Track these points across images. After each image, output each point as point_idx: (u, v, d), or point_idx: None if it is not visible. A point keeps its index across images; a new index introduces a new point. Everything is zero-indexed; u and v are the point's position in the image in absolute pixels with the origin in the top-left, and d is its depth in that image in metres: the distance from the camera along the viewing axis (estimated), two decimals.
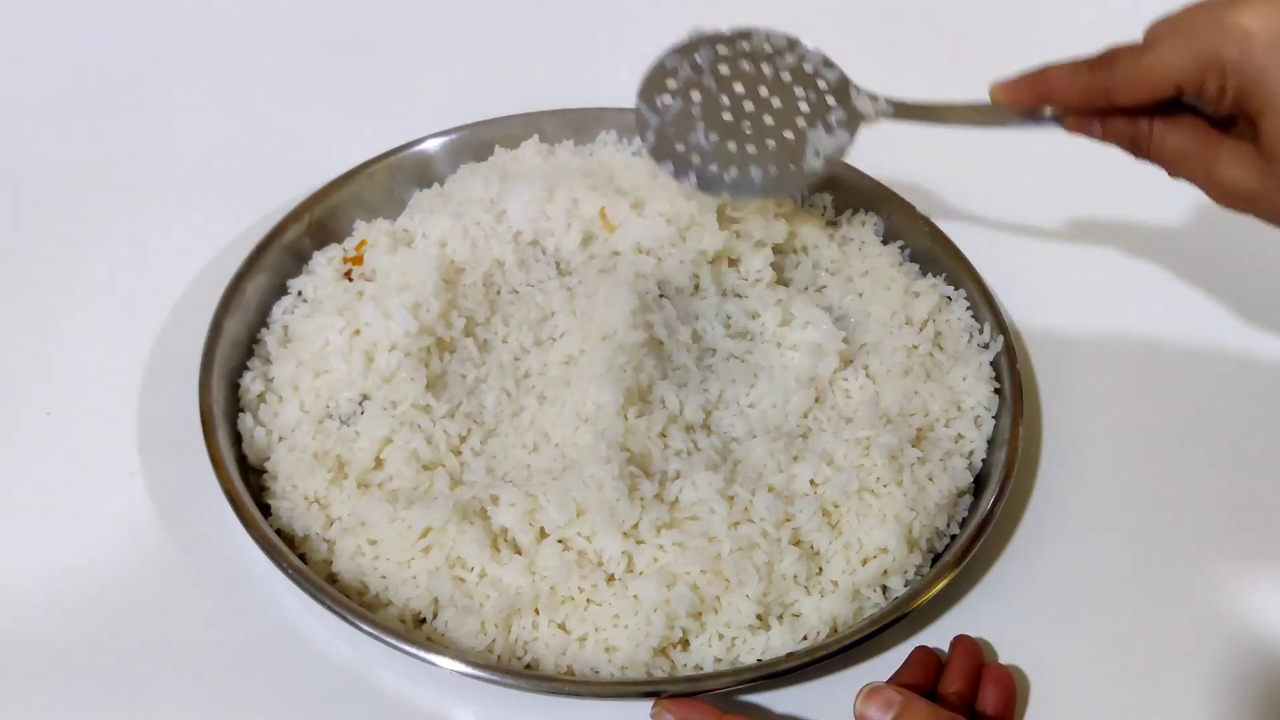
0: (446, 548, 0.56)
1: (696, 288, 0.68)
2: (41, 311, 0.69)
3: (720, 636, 0.55)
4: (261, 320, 0.67)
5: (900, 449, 0.60)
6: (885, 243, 0.73)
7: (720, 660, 0.54)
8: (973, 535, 0.58)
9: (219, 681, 0.54)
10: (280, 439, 0.61)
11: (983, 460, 0.63)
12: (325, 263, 0.68)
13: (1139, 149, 0.53)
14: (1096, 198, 0.82)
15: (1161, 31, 0.49)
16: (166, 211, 0.76)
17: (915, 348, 0.67)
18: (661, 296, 0.66)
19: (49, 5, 0.90)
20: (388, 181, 0.74)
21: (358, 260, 0.68)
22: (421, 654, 0.52)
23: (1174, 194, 0.81)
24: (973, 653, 0.55)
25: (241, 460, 0.60)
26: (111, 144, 0.80)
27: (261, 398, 0.63)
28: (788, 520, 0.57)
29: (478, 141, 0.76)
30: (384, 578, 0.56)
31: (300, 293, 0.67)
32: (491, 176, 0.72)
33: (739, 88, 0.61)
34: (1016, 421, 0.62)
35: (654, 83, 0.62)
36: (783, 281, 0.70)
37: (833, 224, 0.74)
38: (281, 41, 0.90)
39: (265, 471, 0.61)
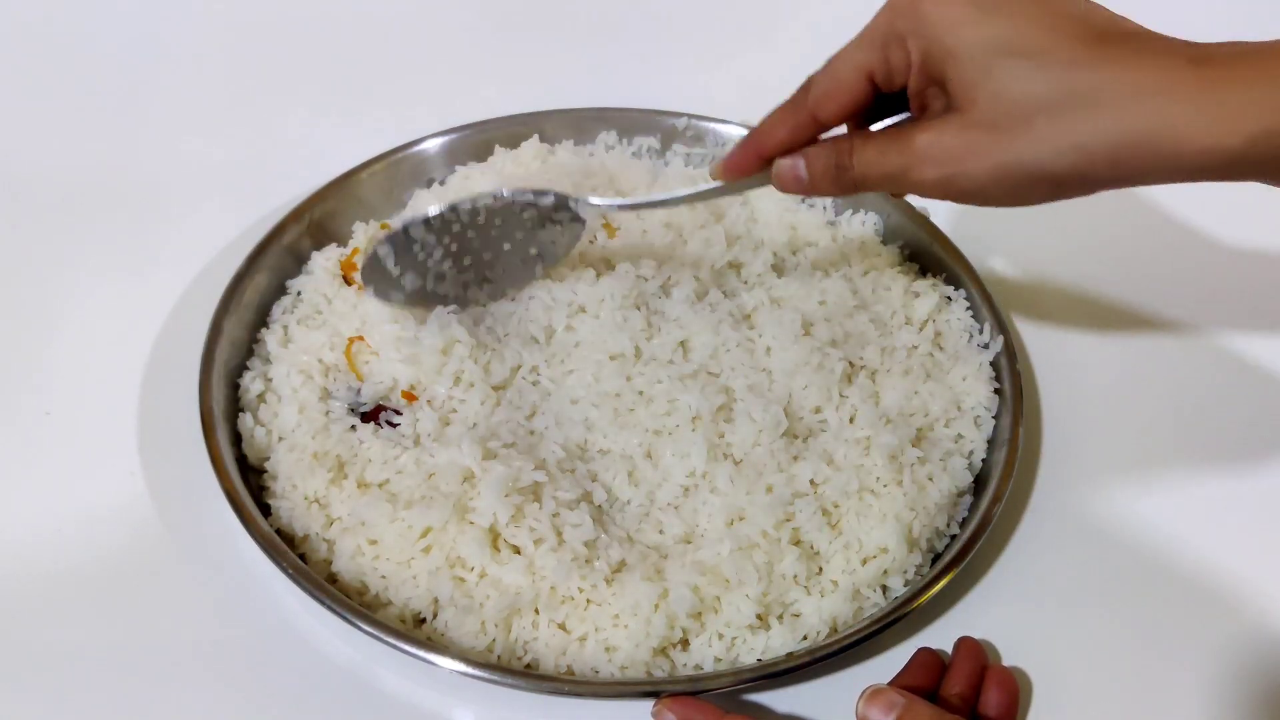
0: (446, 548, 0.56)
1: (703, 294, 0.68)
2: (41, 311, 0.69)
3: (720, 636, 0.55)
4: (261, 320, 0.67)
5: (900, 449, 0.60)
6: (885, 243, 0.73)
7: (720, 660, 0.54)
8: (973, 535, 0.58)
9: (219, 681, 0.54)
10: (280, 439, 0.61)
11: (983, 460, 0.63)
12: (324, 263, 0.68)
13: (843, 173, 0.51)
14: (1096, 198, 0.81)
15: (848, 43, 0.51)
16: (166, 212, 0.76)
17: (915, 348, 0.67)
18: (664, 297, 0.66)
19: (50, 6, 0.90)
20: (388, 182, 0.74)
21: (352, 266, 0.68)
22: (421, 654, 0.52)
23: (1174, 194, 0.82)
24: (976, 654, 0.55)
25: (241, 460, 0.60)
26: (111, 144, 0.80)
27: (261, 398, 0.63)
28: (788, 520, 0.57)
29: (478, 141, 0.76)
30: (384, 578, 0.56)
31: (300, 293, 0.67)
32: (491, 176, 0.72)
33: (470, 234, 0.62)
34: (1016, 421, 0.62)
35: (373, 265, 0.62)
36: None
37: (832, 224, 0.74)
38: (282, 42, 0.90)
39: (265, 471, 0.61)
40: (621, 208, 0.63)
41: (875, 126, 0.52)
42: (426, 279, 0.63)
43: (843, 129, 0.53)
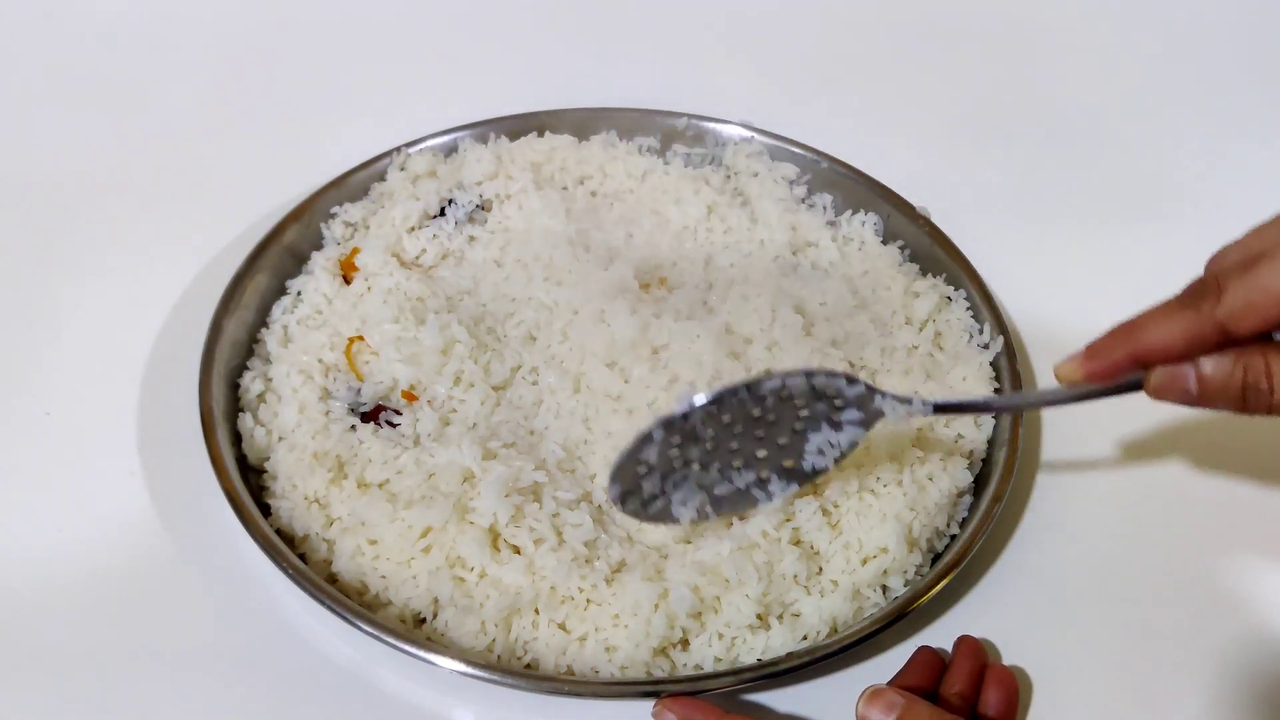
0: (446, 548, 0.56)
1: (703, 295, 0.68)
2: (42, 312, 0.69)
3: (720, 636, 0.55)
4: (261, 320, 0.67)
5: (900, 449, 0.60)
6: (885, 243, 0.73)
7: (720, 660, 0.54)
8: (972, 535, 0.58)
9: (219, 681, 0.54)
10: (280, 439, 0.61)
11: (983, 460, 0.63)
12: (324, 263, 0.68)
13: (1257, 395, 0.44)
14: (1096, 197, 0.82)
15: (1261, 247, 0.43)
16: (166, 211, 0.76)
17: (915, 348, 0.67)
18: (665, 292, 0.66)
19: (50, 6, 0.90)
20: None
21: (350, 265, 0.68)
22: (421, 654, 0.52)
23: (1176, 193, 0.82)
24: (976, 653, 0.55)
25: (241, 460, 0.60)
26: (111, 144, 0.80)
27: (261, 398, 0.63)
28: (788, 520, 0.57)
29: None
30: (384, 578, 0.56)
31: (300, 293, 0.67)
32: (489, 160, 0.72)
33: (726, 418, 0.53)
34: (1016, 421, 0.62)
35: (631, 452, 0.53)
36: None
37: (832, 224, 0.74)
38: (282, 42, 0.90)
39: (265, 471, 0.61)
40: (939, 409, 0.53)
41: None
42: (666, 482, 0.54)
43: None
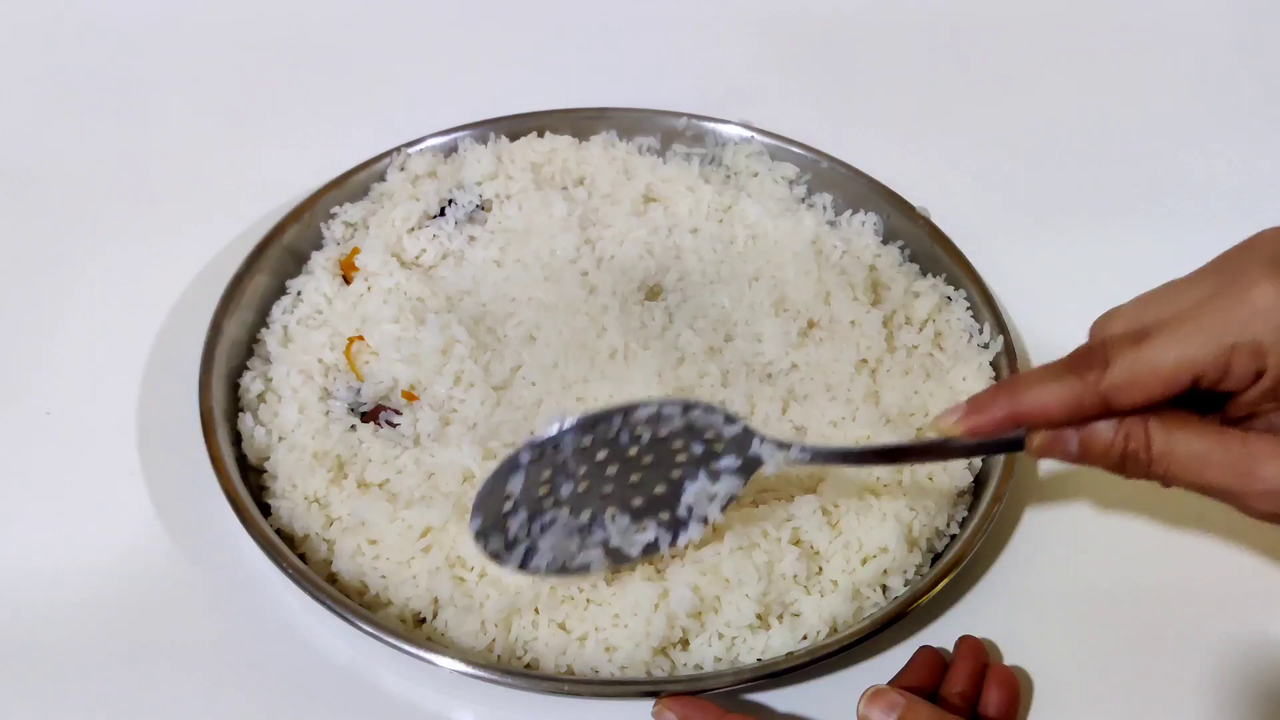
0: (446, 548, 0.56)
1: (703, 293, 0.68)
2: (41, 311, 0.69)
3: (720, 636, 0.55)
4: (261, 320, 0.66)
5: None
6: (885, 243, 0.73)
7: (720, 660, 0.54)
8: (972, 535, 0.58)
9: (219, 681, 0.54)
10: (280, 439, 0.61)
11: (983, 460, 0.63)
12: (324, 263, 0.68)
13: (1134, 462, 0.44)
14: (1096, 197, 0.82)
15: (1150, 319, 0.44)
16: (166, 211, 0.76)
17: (915, 348, 0.67)
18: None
19: (50, 6, 0.90)
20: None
21: (350, 265, 0.68)
22: (421, 654, 0.52)
23: (1175, 194, 0.82)
24: (977, 653, 0.55)
25: (241, 460, 0.60)
26: (111, 144, 0.80)
27: (261, 398, 0.63)
28: (788, 520, 0.57)
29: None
30: (384, 577, 0.56)
31: (300, 293, 0.67)
32: (489, 159, 0.72)
33: (601, 454, 0.51)
34: None
35: (496, 481, 0.50)
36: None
37: (833, 224, 0.74)
38: (283, 41, 0.90)
39: (265, 471, 0.61)
40: (816, 458, 0.51)
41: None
42: (534, 524, 0.51)
43: None
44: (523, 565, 0.52)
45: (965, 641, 0.56)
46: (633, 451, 0.51)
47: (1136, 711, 0.56)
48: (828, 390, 0.63)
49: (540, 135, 0.76)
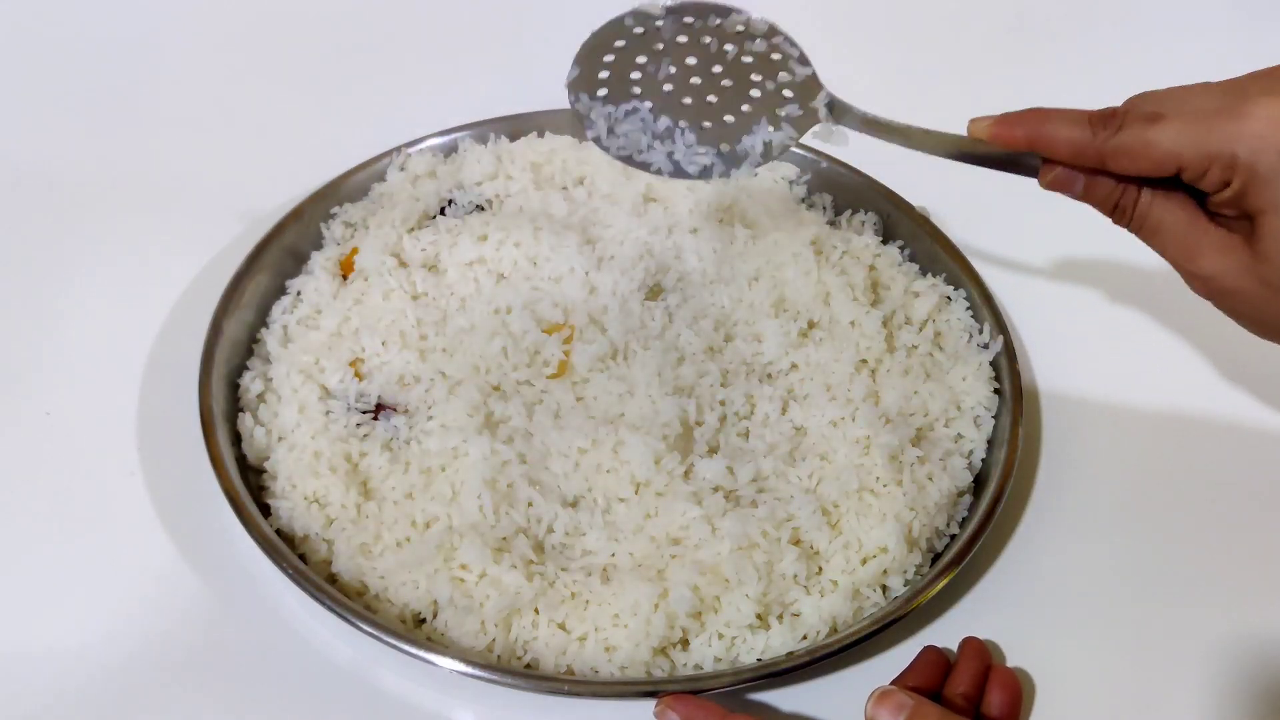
0: (447, 547, 0.56)
1: (702, 293, 0.68)
2: (41, 312, 0.69)
3: (720, 636, 0.55)
4: (261, 320, 0.67)
5: (900, 449, 0.60)
6: (885, 243, 0.73)
7: (720, 660, 0.54)
8: (972, 535, 0.58)
9: (219, 681, 0.54)
10: (280, 439, 0.61)
11: (982, 460, 0.63)
12: (324, 263, 0.68)
13: (1120, 214, 0.51)
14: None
15: (1170, 108, 0.48)
16: (166, 211, 0.76)
17: (915, 348, 0.67)
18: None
19: (49, 6, 0.90)
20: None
21: (350, 265, 0.68)
22: (421, 654, 0.52)
23: None
24: (981, 654, 0.55)
25: (241, 460, 0.60)
26: (111, 144, 0.80)
27: (261, 398, 0.63)
28: (788, 520, 0.57)
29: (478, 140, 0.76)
30: (384, 578, 0.56)
31: (300, 293, 0.67)
32: (489, 159, 0.72)
33: (691, 60, 0.54)
34: (1016, 421, 0.62)
35: (602, 39, 0.54)
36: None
37: (833, 224, 0.74)
38: (281, 41, 0.90)
39: (265, 471, 0.61)
40: (865, 123, 0.54)
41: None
42: (618, 106, 0.53)
43: None
44: (598, 139, 0.54)
45: (969, 642, 0.56)
46: (718, 69, 0.53)
47: (1137, 713, 0.56)
48: (828, 390, 0.63)
49: (540, 135, 0.76)
